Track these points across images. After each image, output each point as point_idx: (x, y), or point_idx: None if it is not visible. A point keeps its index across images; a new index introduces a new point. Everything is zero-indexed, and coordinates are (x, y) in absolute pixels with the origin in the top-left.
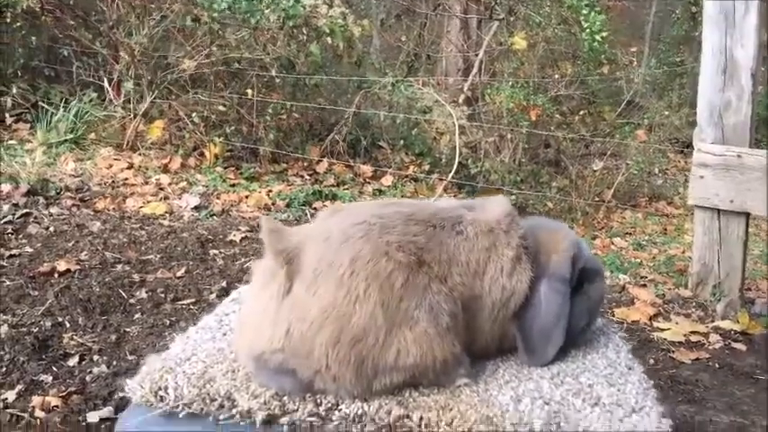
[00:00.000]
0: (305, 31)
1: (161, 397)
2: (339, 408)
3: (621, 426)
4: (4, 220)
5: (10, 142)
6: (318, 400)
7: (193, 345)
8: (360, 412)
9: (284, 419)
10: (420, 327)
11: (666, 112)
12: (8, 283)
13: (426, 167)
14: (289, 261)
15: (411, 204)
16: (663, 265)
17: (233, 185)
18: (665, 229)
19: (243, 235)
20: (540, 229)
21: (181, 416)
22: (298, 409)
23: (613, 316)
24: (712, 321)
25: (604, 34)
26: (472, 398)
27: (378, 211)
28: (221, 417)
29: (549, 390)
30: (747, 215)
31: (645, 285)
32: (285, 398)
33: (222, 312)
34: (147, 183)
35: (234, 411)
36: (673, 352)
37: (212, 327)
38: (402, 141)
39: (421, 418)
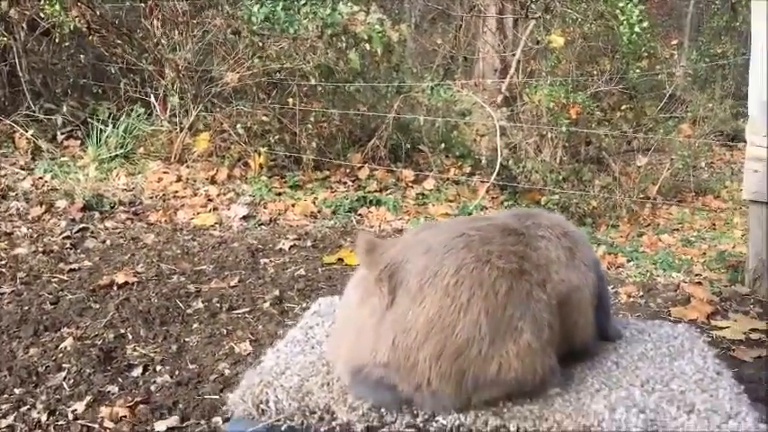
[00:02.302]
0: (343, 39)
1: (262, 410)
2: (436, 419)
3: None
4: (63, 235)
5: (62, 159)
6: (415, 412)
7: (285, 358)
8: (457, 423)
9: (382, 431)
10: (524, 339)
11: (710, 105)
12: (70, 296)
13: (467, 170)
14: (391, 275)
15: (496, 218)
16: (714, 261)
17: (279, 194)
18: (714, 224)
19: (291, 243)
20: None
21: (283, 429)
22: (395, 421)
23: (670, 315)
24: None
25: (644, 25)
26: (566, 407)
27: (472, 224)
28: (322, 429)
29: (641, 398)
30: None
31: (700, 283)
32: (382, 410)
33: (306, 326)
34: (195, 194)
35: (333, 424)
36: (733, 350)
37: (300, 340)
38: (442, 144)
39: (518, 429)
